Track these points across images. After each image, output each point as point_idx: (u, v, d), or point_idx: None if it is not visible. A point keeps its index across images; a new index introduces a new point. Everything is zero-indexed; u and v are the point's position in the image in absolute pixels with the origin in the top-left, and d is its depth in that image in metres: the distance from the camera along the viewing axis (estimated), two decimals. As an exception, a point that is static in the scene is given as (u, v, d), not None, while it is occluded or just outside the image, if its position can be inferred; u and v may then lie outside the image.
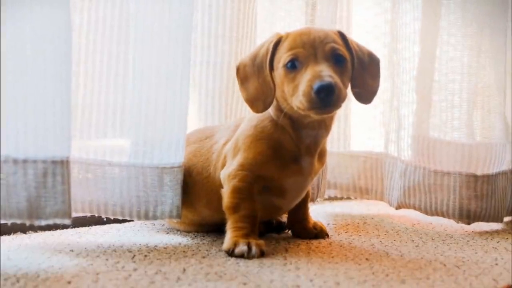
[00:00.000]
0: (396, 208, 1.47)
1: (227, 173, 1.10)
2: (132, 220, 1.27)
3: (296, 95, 1.02)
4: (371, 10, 1.62)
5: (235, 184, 1.09)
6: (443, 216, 1.40)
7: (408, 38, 1.45)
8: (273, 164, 1.09)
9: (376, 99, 1.57)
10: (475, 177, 1.37)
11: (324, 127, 1.12)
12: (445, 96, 1.43)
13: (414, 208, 1.44)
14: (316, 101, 0.98)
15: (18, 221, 0.98)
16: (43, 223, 0.99)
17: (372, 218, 1.49)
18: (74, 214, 1.20)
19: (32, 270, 0.92)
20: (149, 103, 1.13)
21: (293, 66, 1.04)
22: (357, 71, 1.09)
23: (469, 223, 1.38)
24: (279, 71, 1.06)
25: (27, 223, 0.98)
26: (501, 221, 1.41)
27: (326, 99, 0.98)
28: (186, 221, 1.23)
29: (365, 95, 1.12)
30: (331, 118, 1.12)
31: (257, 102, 1.09)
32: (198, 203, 1.19)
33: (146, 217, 1.14)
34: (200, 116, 1.38)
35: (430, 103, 1.44)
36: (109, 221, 1.26)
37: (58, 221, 1.00)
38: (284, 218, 1.29)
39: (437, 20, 1.43)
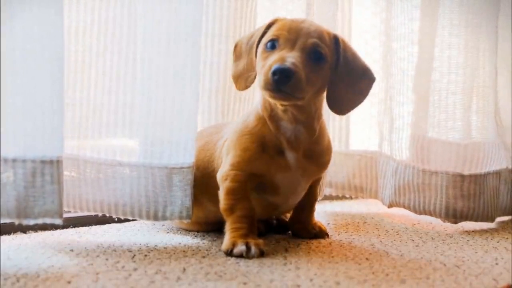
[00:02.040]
0: (388, 207, 1.48)
1: (221, 175, 1.11)
2: (133, 220, 1.27)
3: (260, 74, 1.03)
4: (369, 10, 1.62)
5: (228, 185, 1.09)
6: (430, 215, 1.40)
7: (403, 38, 1.44)
8: (260, 159, 1.09)
9: (372, 98, 1.58)
10: (462, 176, 1.37)
11: (301, 123, 1.09)
12: (439, 96, 1.42)
13: (404, 206, 1.44)
14: (271, 82, 0.99)
15: (7, 220, 0.98)
16: (32, 222, 0.98)
17: (372, 217, 1.49)
18: (86, 213, 1.21)
19: (32, 270, 0.92)
20: (157, 103, 1.13)
21: (272, 46, 1.05)
22: (338, 77, 1.08)
23: (455, 222, 1.38)
24: (259, 49, 1.08)
25: (16, 222, 0.97)
26: (492, 221, 1.40)
27: (280, 82, 0.98)
28: (190, 218, 1.22)
29: (339, 105, 1.11)
30: (306, 114, 1.09)
31: (240, 79, 1.12)
32: (203, 197, 1.18)
33: (156, 218, 1.14)
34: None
35: (428, 103, 1.44)
36: (109, 220, 1.26)
37: (48, 220, 0.99)
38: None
39: (435, 20, 1.43)
